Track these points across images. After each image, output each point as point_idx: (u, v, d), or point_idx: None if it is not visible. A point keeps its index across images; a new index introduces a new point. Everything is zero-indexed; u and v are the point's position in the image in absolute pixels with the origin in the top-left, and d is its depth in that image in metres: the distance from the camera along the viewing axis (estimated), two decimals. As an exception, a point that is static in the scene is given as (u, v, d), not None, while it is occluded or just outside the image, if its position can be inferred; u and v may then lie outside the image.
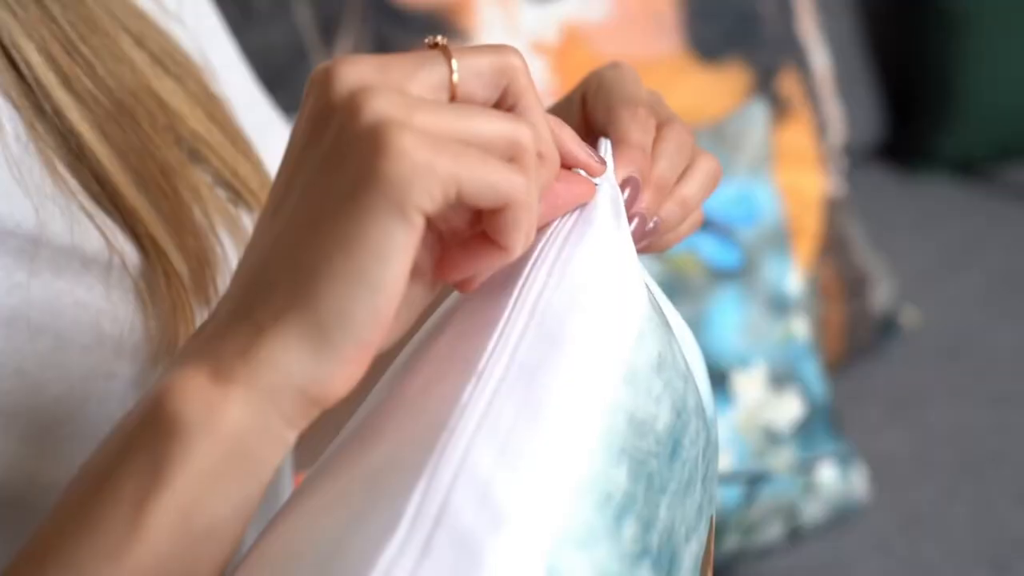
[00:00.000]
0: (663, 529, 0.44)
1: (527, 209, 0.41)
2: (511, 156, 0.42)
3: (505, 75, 0.44)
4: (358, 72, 0.41)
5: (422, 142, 0.39)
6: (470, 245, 0.43)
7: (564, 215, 0.47)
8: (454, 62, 0.43)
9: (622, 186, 0.50)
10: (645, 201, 0.51)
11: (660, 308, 0.49)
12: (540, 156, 0.44)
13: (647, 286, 0.48)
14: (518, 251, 0.42)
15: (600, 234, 0.46)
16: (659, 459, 0.44)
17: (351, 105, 0.40)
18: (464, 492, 0.37)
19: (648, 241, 0.52)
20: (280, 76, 1.40)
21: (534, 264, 0.45)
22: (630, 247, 0.48)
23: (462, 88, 0.43)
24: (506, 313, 0.43)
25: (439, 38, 0.44)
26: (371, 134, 0.39)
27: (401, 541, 0.36)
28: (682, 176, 0.54)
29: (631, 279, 0.46)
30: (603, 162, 0.48)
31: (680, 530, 0.46)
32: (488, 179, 0.40)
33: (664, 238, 0.54)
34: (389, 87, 0.41)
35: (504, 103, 0.45)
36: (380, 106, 0.39)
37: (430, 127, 0.40)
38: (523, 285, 0.44)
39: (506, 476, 0.38)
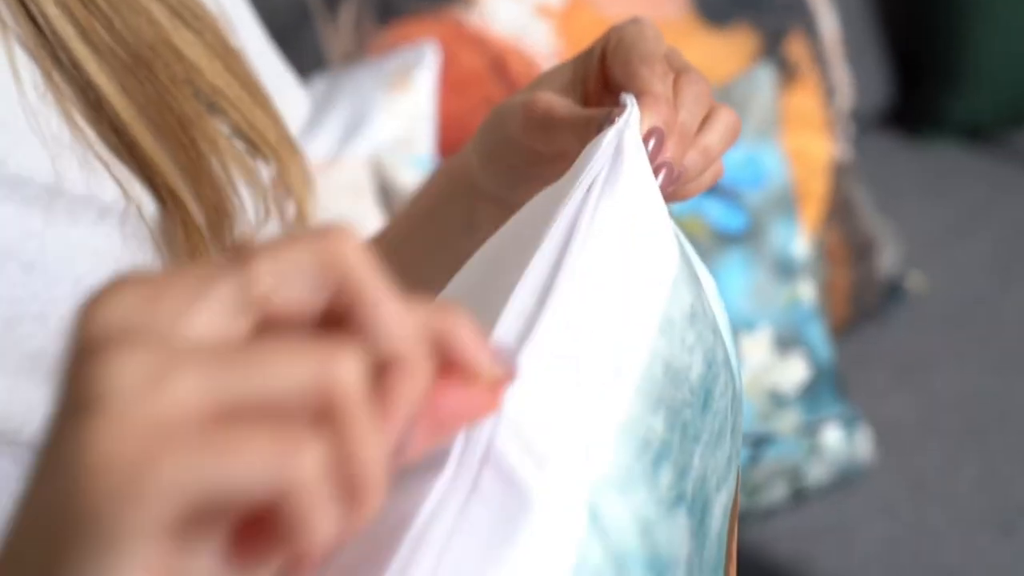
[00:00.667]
0: (697, 478, 0.44)
1: (310, 495, 0.30)
2: (320, 409, 0.31)
3: (333, 269, 0.34)
4: (122, 308, 0.32)
5: (139, 444, 0.29)
6: (262, 522, 0.32)
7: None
8: (258, 268, 0.33)
9: (647, 136, 0.50)
10: (669, 151, 0.51)
11: (690, 259, 0.49)
12: (400, 366, 0.33)
13: (678, 237, 0.49)
14: (319, 542, 0.31)
15: (632, 185, 0.46)
16: (693, 409, 0.44)
17: (85, 375, 0.30)
18: (507, 432, 0.37)
19: (671, 190, 0.52)
20: (283, 38, 1.40)
21: (579, 213, 0.44)
22: (659, 198, 0.48)
23: (274, 300, 0.33)
24: (546, 269, 0.43)
25: (243, 236, 0.35)
26: (73, 438, 0.29)
27: (450, 477, 0.36)
28: (702, 126, 0.54)
29: (663, 230, 0.47)
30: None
31: (712, 479, 0.46)
32: (239, 475, 0.29)
33: (686, 188, 0.54)
34: (151, 333, 0.31)
35: (339, 306, 0.34)
36: (116, 378, 0.30)
37: (184, 400, 0.30)
38: (565, 241, 0.43)
39: (550, 418, 0.38)
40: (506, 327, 0.41)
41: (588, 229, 0.43)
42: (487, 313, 0.42)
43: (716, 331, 0.48)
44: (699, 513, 0.44)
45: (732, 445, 0.50)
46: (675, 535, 0.42)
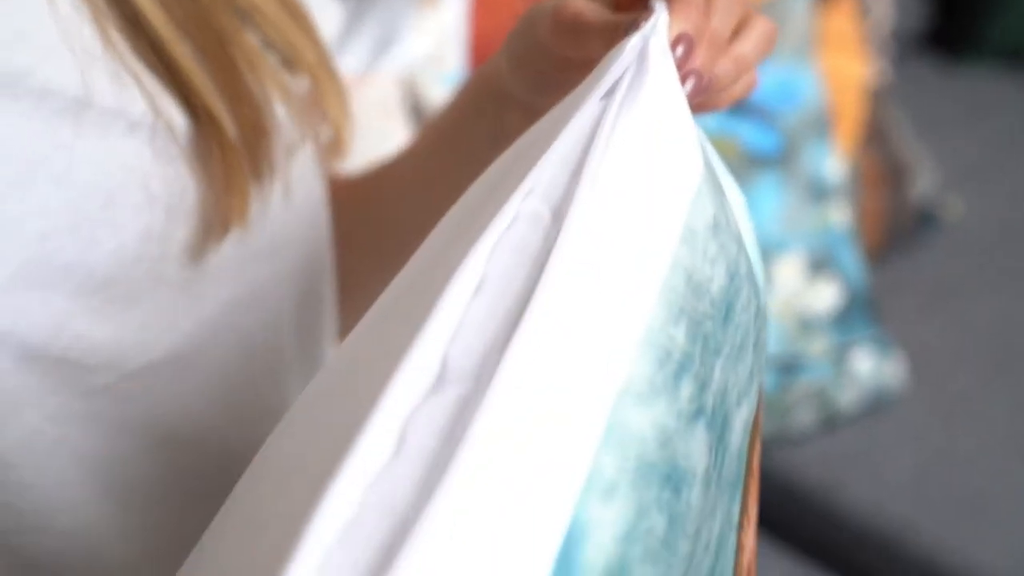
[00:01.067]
0: (717, 391, 0.43)
1: None
2: None
3: None
4: None
5: None
6: None
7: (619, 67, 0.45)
8: None
9: (675, 43, 0.48)
10: (699, 58, 0.50)
11: (714, 171, 0.48)
12: None
13: (703, 148, 0.47)
14: None
15: (656, 92, 0.45)
16: (714, 321, 0.44)
17: None
18: None
19: (701, 99, 0.50)
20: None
21: (600, 120, 0.43)
22: (685, 106, 0.47)
23: None
24: (564, 177, 0.42)
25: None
26: None
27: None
28: (736, 34, 0.52)
29: (687, 138, 0.45)
30: None
31: (732, 393, 0.45)
32: None
33: (717, 98, 0.53)
34: None
35: None
36: None
37: None
38: (585, 149, 0.42)
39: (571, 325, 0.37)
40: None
41: (609, 136, 0.42)
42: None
43: (740, 244, 0.48)
44: (719, 428, 0.44)
45: (754, 360, 0.49)
46: (693, 448, 0.41)
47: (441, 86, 1.40)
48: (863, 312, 1.52)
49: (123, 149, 0.53)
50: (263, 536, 0.34)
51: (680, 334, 0.41)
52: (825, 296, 1.50)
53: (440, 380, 0.35)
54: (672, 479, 0.40)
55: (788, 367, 1.47)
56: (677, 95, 0.46)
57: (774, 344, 1.46)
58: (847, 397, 1.49)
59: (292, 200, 0.62)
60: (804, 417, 1.48)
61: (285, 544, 0.32)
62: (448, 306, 0.37)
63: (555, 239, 0.39)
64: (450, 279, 0.37)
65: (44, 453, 0.54)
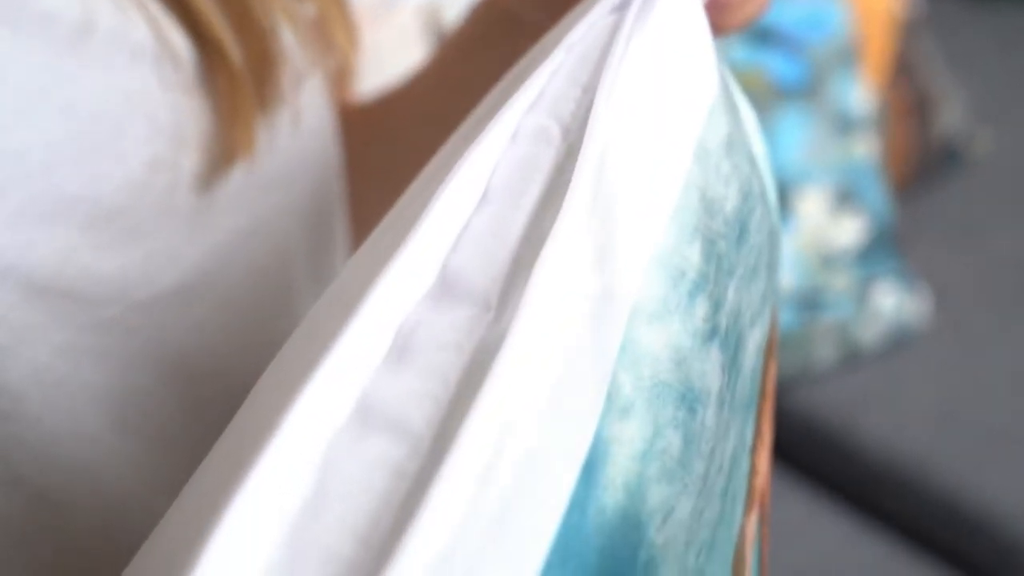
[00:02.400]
0: (731, 311, 0.43)
1: None
2: None
3: None
4: None
5: None
6: None
7: None
8: None
9: None
10: None
11: (728, 88, 0.48)
12: None
13: (719, 65, 0.47)
14: None
15: (672, 3, 0.44)
16: (727, 241, 0.43)
17: None
18: None
19: (714, 17, 0.49)
20: None
21: (615, 34, 0.42)
22: (703, 17, 0.46)
23: None
24: (576, 92, 0.41)
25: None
26: None
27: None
28: None
29: (704, 51, 0.45)
30: None
31: (746, 314, 0.45)
32: None
33: (731, 16, 0.52)
34: None
35: None
36: None
37: None
38: (597, 65, 0.41)
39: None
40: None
41: (624, 52, 0.41)
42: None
43: (753, 163, 0.47)
44: (732, 349, 0.43)
45: (768, 282, 0.49)
46: (708, 369, 0.41)
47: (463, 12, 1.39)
48: (887, 247, 1.50)
49: (128, 77, 0.52)
50: (245, 451, 0.33)
51: (695, 253, 0.40)
52: (849, 230, 1.49)
53: (442, 290, 0.35)
54: (687, 399, 0.39)
55: (810, 303, 1.46)
56: (695, 6, 0.46)
57: (796, 278, 1.45)
58: (869, 333, 1.48)
59: (301, 129, 0.61)
60: (825, 353, 1.47)
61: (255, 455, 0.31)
62: (444, 215, 0.36)
63: (569, 156, 0.38)
64: (445, 189, 0.36)
65: (54, 387, 0.53)
